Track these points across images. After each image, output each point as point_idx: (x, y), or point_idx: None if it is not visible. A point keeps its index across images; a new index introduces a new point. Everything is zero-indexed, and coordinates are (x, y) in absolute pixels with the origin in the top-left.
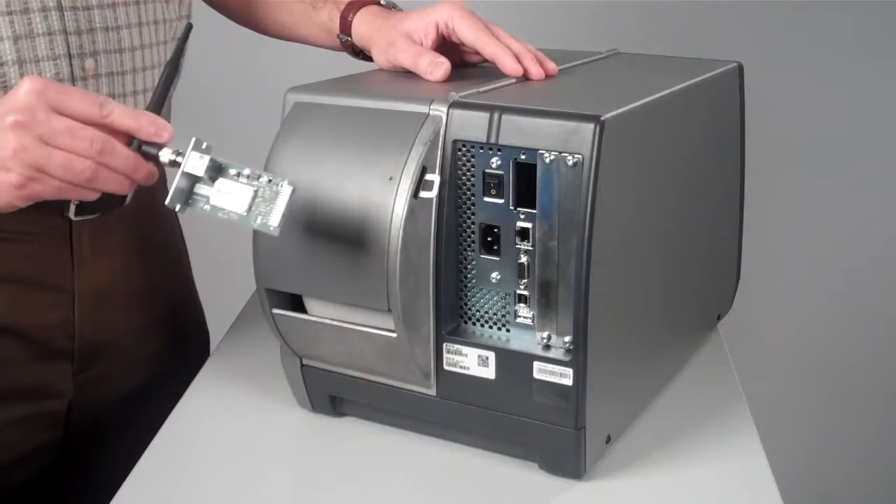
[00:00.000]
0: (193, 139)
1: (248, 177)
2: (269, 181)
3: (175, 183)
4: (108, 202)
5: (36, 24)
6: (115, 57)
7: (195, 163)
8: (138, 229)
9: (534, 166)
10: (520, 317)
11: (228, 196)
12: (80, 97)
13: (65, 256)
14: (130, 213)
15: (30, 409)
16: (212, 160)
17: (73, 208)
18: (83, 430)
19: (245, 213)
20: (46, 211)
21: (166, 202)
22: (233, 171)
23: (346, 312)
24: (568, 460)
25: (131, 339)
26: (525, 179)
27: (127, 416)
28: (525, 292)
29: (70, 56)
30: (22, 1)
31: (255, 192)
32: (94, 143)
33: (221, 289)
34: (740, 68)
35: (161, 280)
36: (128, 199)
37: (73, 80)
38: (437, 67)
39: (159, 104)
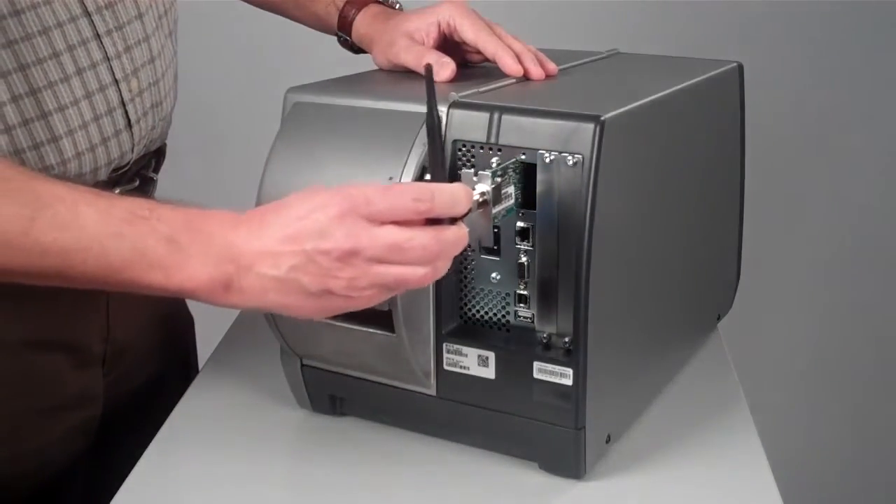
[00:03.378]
0: (486, 180)
1: (497, 174)
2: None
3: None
4: None
5: (80, 59)
6: (150, 68)
7: (497, 195)
8: None
9: (534, 166)
10: (520, 317)
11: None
12: (390, 202)
13: None
14: None
15: (75, 419)
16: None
17: None
18: (108, 430)
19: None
20: None
21: (490, 245)
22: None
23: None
24: (568, 460)
25: (148, 332)
26: (525, 179)
27: (142, 411)
28: (525, 292)
29: (117, 82)
30: (63, 39)
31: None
32: (426, 251)
33: None
34: (740, 68)
35: None
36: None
37: (123, 106)
38: (443, 67)
39: (444, 157)
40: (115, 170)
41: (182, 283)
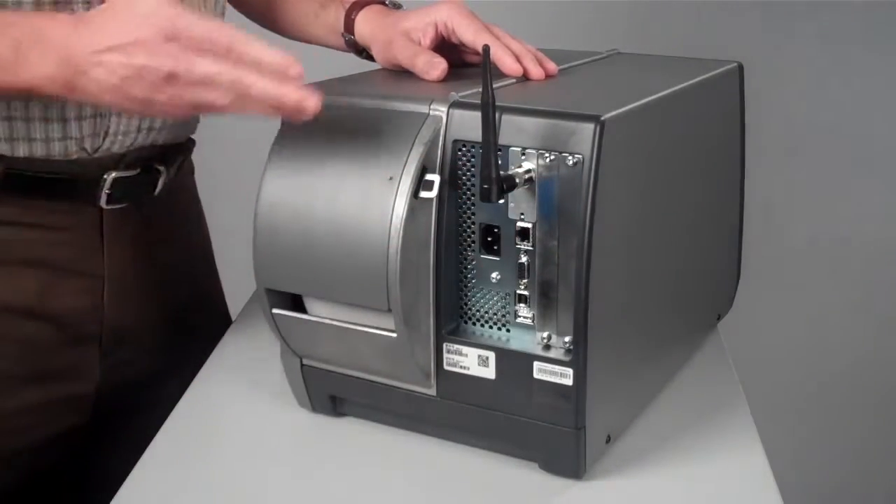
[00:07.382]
0: None
1: None
2: None
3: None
4: (139, 192)
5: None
6: None
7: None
8: (166, 217)
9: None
10: (520, 317)
11: None
12: (211, 35)
13: (95, 244)
14: (159, 202)
15: (60, 392)
16: None
17: (104, 197)
18: (108, 414)
19: None
20: (79, 200)
21: (533, 220)
22: None
23: (346, 312)
24: (568, 460)
25: (153, 323)
26: None
27: (149, 400)
28: (525, 292)
29: None
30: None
31: None
32: (234, 85)
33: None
34: (740, 68)
35: (185, 267)
36: (158, 189)
37: None
38: (433, 67)
39: (496, 135)
40: (98, 147)
41: (28, 81)
